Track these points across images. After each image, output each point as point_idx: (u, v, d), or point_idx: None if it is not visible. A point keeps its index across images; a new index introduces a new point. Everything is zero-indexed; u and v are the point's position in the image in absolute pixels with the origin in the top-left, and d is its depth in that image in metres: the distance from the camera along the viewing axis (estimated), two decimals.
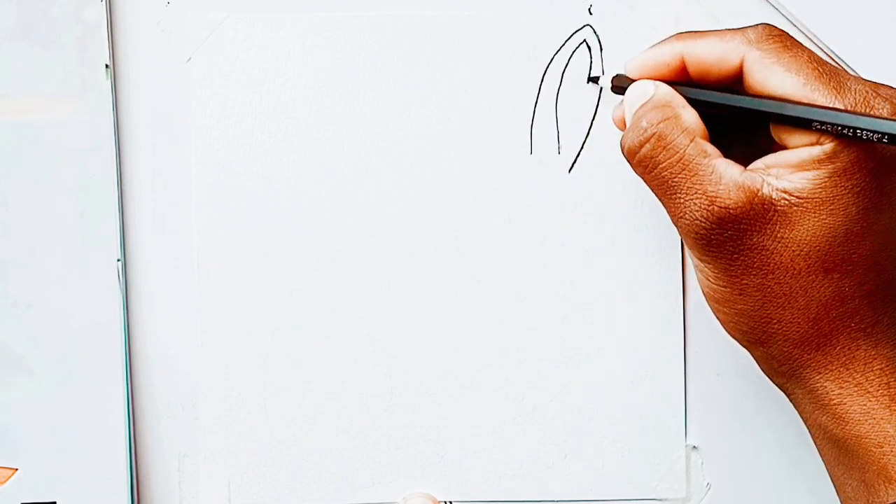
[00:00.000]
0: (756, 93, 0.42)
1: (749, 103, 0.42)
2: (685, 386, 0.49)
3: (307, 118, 0.48)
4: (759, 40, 0.41)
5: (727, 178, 0.40)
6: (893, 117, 0.39)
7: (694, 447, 0.49)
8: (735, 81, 0.42)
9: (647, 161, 0.42)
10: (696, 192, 0.41)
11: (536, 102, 0.48)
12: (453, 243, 0.48)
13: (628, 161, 0.43)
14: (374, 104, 0.48)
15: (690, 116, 0.42)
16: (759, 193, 0.40)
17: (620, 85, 0.45)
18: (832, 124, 0.39)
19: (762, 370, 0.44)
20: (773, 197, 0.40)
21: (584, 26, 0.48)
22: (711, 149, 0.41)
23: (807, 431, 0.44)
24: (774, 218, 0.40)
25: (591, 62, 0.48)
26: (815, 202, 0.40)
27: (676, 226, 0.42)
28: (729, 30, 0.43)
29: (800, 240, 0.40)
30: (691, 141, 0.41)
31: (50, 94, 0.46)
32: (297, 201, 0.48)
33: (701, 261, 0.42)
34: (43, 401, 0.47)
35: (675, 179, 0.41)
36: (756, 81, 0.41)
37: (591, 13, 0.48)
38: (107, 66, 0.46)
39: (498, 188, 0.48)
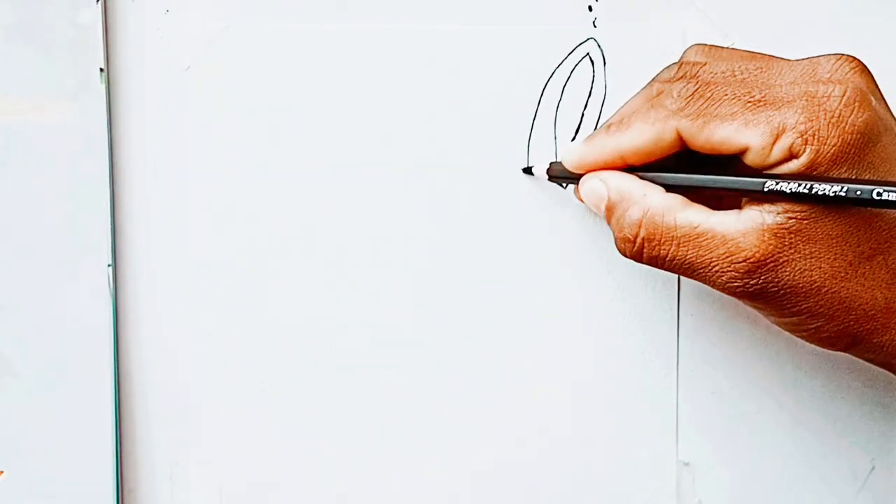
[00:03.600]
0: (708, 151, 0.41)
1: (698, 181, 0.41)
2: (677, 402, 0.49)
3: (307, 129, 0.47)
4: (682, 107, 0.41)
5: (729, 231, 0.40)
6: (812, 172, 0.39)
7: (685, 464, 0.49)
8: (683, 148, 0.42)
9: (653, 261, 0.42)
10: (711, 260, 0.40)
11: (535, 115, 0.47)
12: (448, 256, 0.48)
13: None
14: (373, 116, 0.47)
15: (657, 199, 0.41)
16: (765, 226, 0.39)
17: (556, 175, 0.45)
18: (781, 192, 0.39)
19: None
20: (780, 222, 0.39)
21: (587, 39, 0.47)
22: (696, 214, 0.41)
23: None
24: (793, 239, 0.39)
25: (594, 76, 0.47)
26: (818, 213, 0.39)
27: (717, 290, 0.41)
28: (648, 105, 0.42)
29: (828, 245, 0.39)
30: (675, 222, 0.41)
31: (42, 96, 0.46)
32: (296, 211, 0.47)
33: (755, 308, 0.42)
34: (30, 405, 0.46)
35: (688, 260, 0.41)
36: (701, 145, 0.41)
37: (595, 26, 0.47)
38: (101, 69, 0.46)
39: (493, 202, 0.48)
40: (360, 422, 0.48)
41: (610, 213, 0.43)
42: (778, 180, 0.39)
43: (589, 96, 0.47)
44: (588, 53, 0.47)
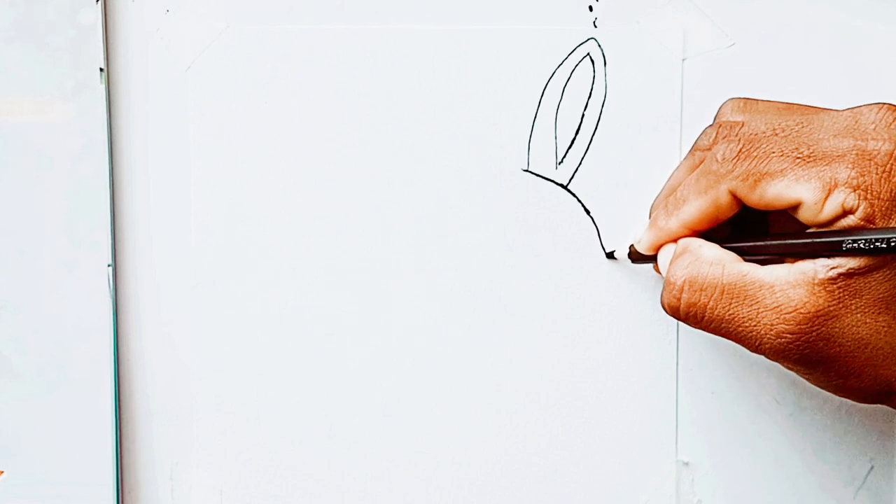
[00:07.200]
0: (762, 207, 0.40)
1: (764, 248, 0.41)
2: (676, 401, 0.49)
3: (306, 129, 0.47)
4: (730, 169, 0.40)
5: (779, 283, 0.39)
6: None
7: (685, 463, 0.49)
8: (743, 207, 0.41)
9: (693, 309, 0.41)
10: (759, 313, 0.40)
11: (536, 115, 0.47)
12: (448, 256, 0.48)
13: (679, 320, 0.42)
14: (373, 116, 0.47)
15: (711, 251, 0.41)
16: (817, 280, 0.39)
17: (637, 257, 0.46)
18: (857, 242, 0.38)
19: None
20: (832, 276, 0.39)
21: (588, 39, 0.47)
22: (747, 266, 0.40)
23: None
24: (842, 294, 0.39)
25: (595, 76, 0.47)
26: (871, 267, 0.39)
27: (761, 354, 0.41)
28: (695, 175, 0.42)
29: (874, 299, 0.39)
30: (723, 270, 0.40)
31: (43, 95, 0.46)
32: (295, 212, 0.47)
33: (800, 375, 0.41)
34: (30, 405, 0.47)
35: (731, 312, 0.40)
36: (755, 202, 0.40)
37: (595, 26, 0.47)
38: (101, 69, 0.46)
39: (493, 202, 0.48)
40: (361, 422, 0.48)
41: (670, 265, 0.43)
42: (854, 237, 0.38)
43: (589, 96, 0.47)
44: (588, 53, 0.47)
